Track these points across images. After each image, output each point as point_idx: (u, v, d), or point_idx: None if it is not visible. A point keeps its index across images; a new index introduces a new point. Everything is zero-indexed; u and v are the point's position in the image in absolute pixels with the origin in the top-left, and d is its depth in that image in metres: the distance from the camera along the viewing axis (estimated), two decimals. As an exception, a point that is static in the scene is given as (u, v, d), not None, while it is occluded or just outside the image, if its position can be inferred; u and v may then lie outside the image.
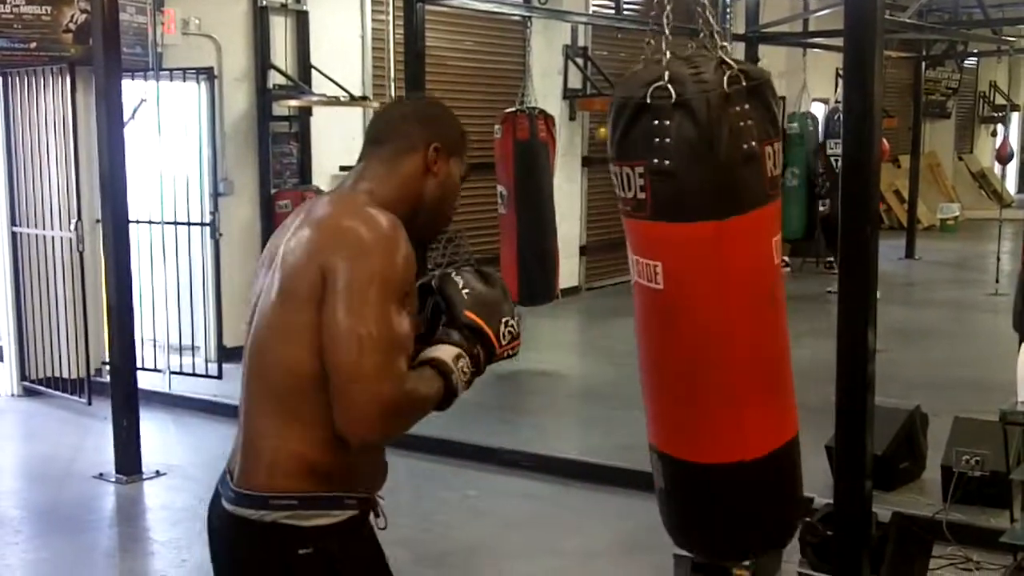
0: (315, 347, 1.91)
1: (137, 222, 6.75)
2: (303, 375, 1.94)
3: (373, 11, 8.87)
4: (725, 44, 2.81)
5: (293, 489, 1.97)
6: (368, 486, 2.09)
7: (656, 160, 2.72)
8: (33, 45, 6.99)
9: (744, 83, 2.71)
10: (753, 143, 2.71)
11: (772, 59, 12.74)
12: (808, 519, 4.06)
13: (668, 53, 2.80)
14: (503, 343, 2.11)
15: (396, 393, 1.88)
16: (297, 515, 1.97)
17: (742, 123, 2.69)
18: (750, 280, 2.83)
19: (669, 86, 2.69)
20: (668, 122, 2.69)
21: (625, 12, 11.45)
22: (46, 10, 6.98)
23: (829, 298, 10.79)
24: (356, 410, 1.88)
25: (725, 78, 2.68)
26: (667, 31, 2.87)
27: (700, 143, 2.68)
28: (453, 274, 2.14)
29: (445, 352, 2.03)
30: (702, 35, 2.89)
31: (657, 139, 2.71)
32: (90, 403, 6.86)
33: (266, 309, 2.01)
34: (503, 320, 2.11)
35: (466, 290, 2.10)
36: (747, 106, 2.70)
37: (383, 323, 1.88)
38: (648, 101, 2.71)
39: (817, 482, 4.82)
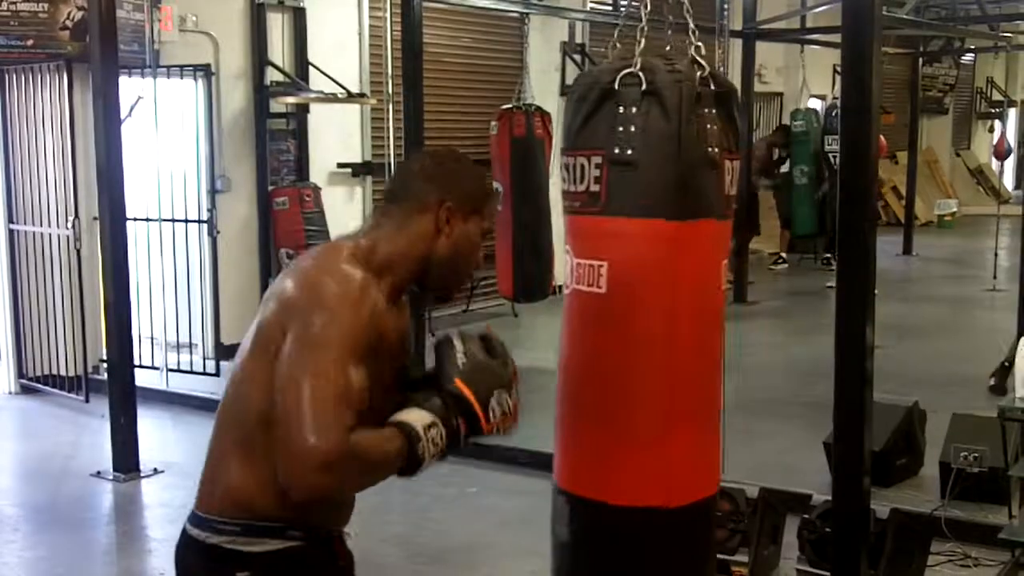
0: (268, 392, 1.93)
1: (134, 219, 6.73)
2: (257, 416, 1.97)
3: (370, 7, 8.87)
4: (699, 44, 2.69)
5: (237, 517, 2.02)
6: (322, 523, 2.09)
7: (618, 150, 2.52)
8: (30, 42, 6.98)
9: (713, 87, 2.57)
10: (716, 149, 2.54)
11: (770, 55, 12.77)
12: (806, 515, 4.06)
13: (642, 42, 2.65)
14: (492, 419, 2.04)
15: (334, 448, 1.83)
16: (236, 541, 2.02)
17: (709, 125, 2.54)
18: (700, 295, 2.61)
19: (640, 74, 2.53)
20: (635, 110, 2.52)
21: (622, 9, 11.43)
22: (43, 7, 6.97)
23: (828, 294, 10.81)
24: (292, 462, 1.86)
25: (697, 75, 2.55)
26: (644, 21, 2.77)
27: (668, 136, 2.50)
28: (455, 337, 2.07)
29: (416, 417, 1.97)
30: (678, 30, 2.77)
31: (621, 128, 2.52)
32: (88, 401, 6.86)
33: (243, 348, 2.05)
34: (495, 394, 2.04)
35: (462, 357, 2.03)
36: (714, 111, 2.56)
37: (329, 376, 1.86)
38: (616, 87, 2.54)
39: (815, 479, 4.83)
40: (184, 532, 2.12)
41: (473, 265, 2.16)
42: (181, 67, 7.48)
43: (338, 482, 1.90)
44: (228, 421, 2.08)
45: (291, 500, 1.94)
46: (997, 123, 19.32)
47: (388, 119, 6.67)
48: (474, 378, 2.02)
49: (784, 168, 12.22)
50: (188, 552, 2.10)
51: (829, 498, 3.90)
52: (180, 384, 7.26)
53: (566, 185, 2.65)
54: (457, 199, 2.08)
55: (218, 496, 2.05)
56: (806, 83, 11.91)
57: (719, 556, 4.11)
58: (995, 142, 18.42)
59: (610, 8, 11.36)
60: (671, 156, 2.52)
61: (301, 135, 8.60)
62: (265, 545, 2.02)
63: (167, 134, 7.44)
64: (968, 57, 19.12)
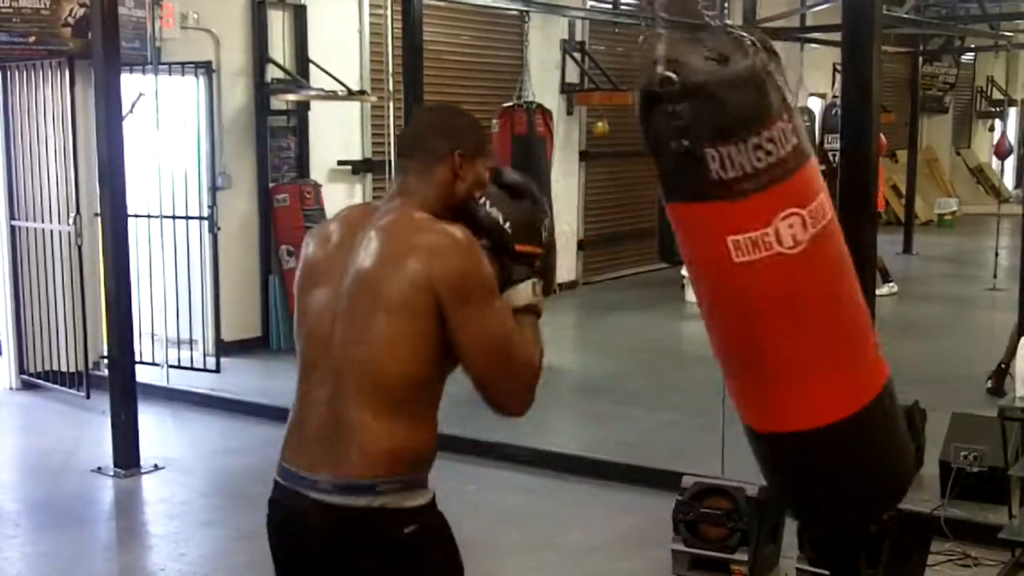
0: (423, 353, 2.17)
1: (136, 216, 6.74)
2: (402, 378, 2.17)
3: (371, 5, 8.87)
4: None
5: (397, 475, 2.17)
6: (432, 463, 2.29)
7: (789, 99, 2.67)
8: (32, 39, 6.98)
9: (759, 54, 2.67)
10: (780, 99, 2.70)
11: (770, 54, 12.75)
12: (806, 514, 4.07)
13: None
14: (544, 243, 2.38)
15: (536, 366, 2.22)
16: (398, 498, 2.17)
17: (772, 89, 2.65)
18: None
19: (672, 75, 2.62)
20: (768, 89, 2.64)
21: (622, 7, 11.45)
22: (45, 4, 6.97)
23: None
24: (520, 398, 2.23)
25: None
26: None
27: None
28: (488, 206, 2.34)
29: (524, 294, 2.30)
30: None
31: (781, 82, 2.67)
32: (88, 397, 6.87)
33: (361, 322, 2.18)
34: (542, 231, 2.38)
35: (503, 218, 2.33)
36: (772, 74, 2.66)
37: (508, 327, 2.20)
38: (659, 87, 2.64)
39: (815, 477, 4.83)
40: (319, 507, 2.18)
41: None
42: (182, 64, 7.48)
43: (538, 380, 2.26)
44: (366, 385, 2.18)
45: (432, 448, 2.24)
46: (997, 122, 19.32)
47: (388, 116, 6.68)
48: (524, 231, 2.34)
49: None
50: (340, 522, 2.18)
51: (829, 496, 3.89)
52: (180, 380, 7.26)
53: (773, 157, 2.66)
54: (466, 147, 2.34)
55: (371, 459, 2.16)
56: (803, 82, 11.90)
57: (718, 554, 4.13)
58: (995, 141, 18.40)
59: (610, 6, 11.37)
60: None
61: (302, 132, 8.60)
62: (421, 498, 2.22)
63: (168, 131, 7.44)
64: (968, 56, 19.12)
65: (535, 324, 2.29)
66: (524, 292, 2.30)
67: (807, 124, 11.88)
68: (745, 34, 2.63)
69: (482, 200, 2.35)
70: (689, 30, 2.77)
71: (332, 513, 2.17)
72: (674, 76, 2.55)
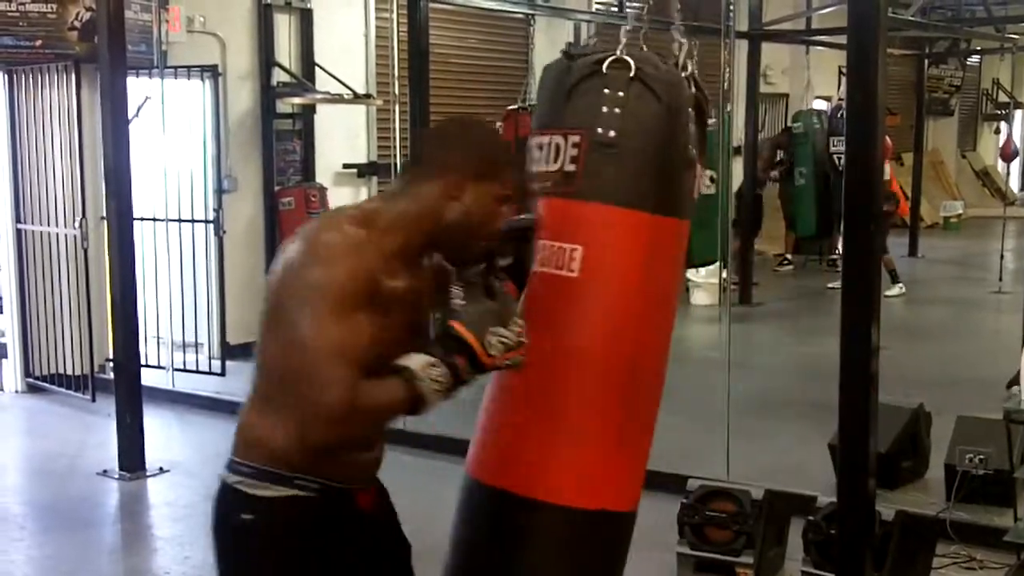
0: (282, 349, 2.03)
1: (141, 219, 6.76)
2: (270, 372, 2.11)
3: (377, 9, 8.88)
4: (683, 42, 2.65)
5: (252, 460, 2.12)
6: (337, 476, 2.14)
7: (601, 130, 2.45)
8: (38, 43, 7.00)
9: (694, 90, 2.57)
10: (693, 151, 2.52)
11: (775, 57, 12.76)
12: (811, 517, 4.07)
13: (625, 38, 2.62)
14: (491, 353, 2.11)
15: (337, 403, 1.94)
16: (245, 482, 2.12)
17: (689, 124, 2.52)
18: (665, 297, 2.58)
19: (628, 59, 2.49)
20: (622, 94, 2.45)
21: (628, 10, 11.44)
22: (51, 8, 6.99)
23: (832, 295, 10.79)
24: (305, 417, 1.99)
25: (684, 76, 2.54)
26: (645, 21, 2.76)
27: (655, 123, 2.46)
28: (455, 286, 2.17)
29: (415, 361, 2.06)
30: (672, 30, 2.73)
31: (606, 108, 2.45)
32: (94, 400, 6.88)
33: (263, 322, 2.13)
34: (492, 331, 2.11)
35: (460, 302, 2.14)
36: (692, 114, 2.54)
37: (328, 334, 1.96)
38: (604, 70, 2.49)
39: (820, 480, 4.83)
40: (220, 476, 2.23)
41: (488, 233, 2.17)
42: (188, 68, 7.49)
43: (348, 430, 2.01)
44: (256, 374, 2.17)
45: (303, 452, 2.05)
46: (1003, 125, 19.28)
47: (394, 120, 6.68)
48: (470, 318, 2.11)
49: (776, 171, 12.22)
50: (216, 492, 2.21)
51: (834, 500, 3.90)
52: (186, 383, 7.27)
53: (538, 164, 2.54)
54: (469, 164, 2.12)
55: (240, 440, 2.16)
56: (811, 84, 11.89)
57: (723, 557, 4.12)
58: (1001, 144, 18.36)
59: (615, 9, 11.37)
60: (660, 147, 2.47)
61: (307, 136, 8.61)
62: (270, 491, 2.10)
63: (174, 134, 7.46)
64: (974, 58, 19.08)
65: (400, 391, 2.03)
66: (415, 360, 2.06)
67: (816, 126, 11.89)
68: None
69: (460, 284, 2.18)
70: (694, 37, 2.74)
71: (218, 485, 2.21)
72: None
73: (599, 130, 2.46)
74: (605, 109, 2.46)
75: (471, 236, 2.16)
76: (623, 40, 2.59)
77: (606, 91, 2.47)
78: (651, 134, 2.48)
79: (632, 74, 2.48)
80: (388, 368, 2.04)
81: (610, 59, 2.51)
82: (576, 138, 2.47)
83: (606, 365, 2.52)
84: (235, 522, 2.14)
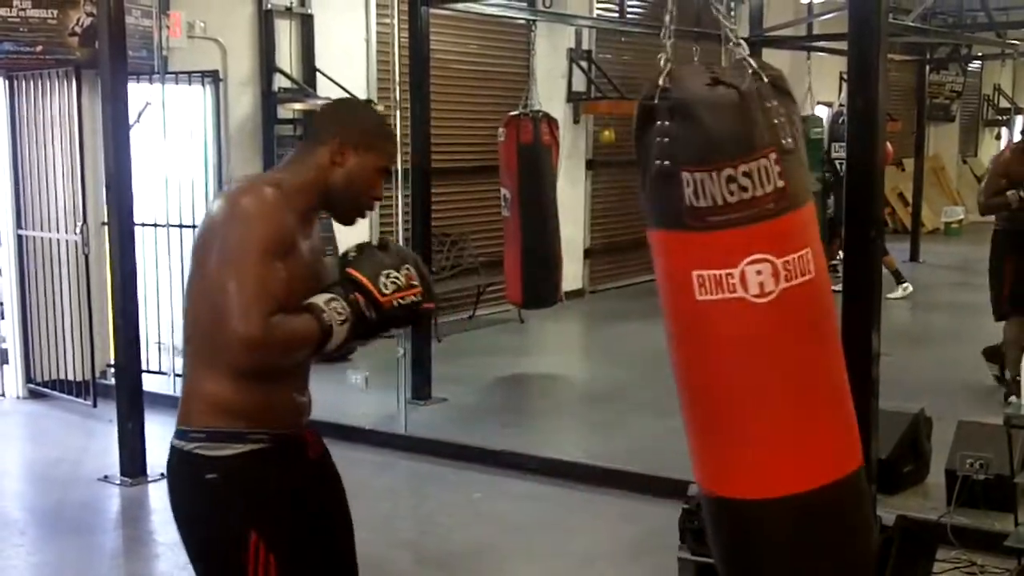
0: (205, 309, 2.31)
1: (142, 224, 6.76)
2: (203, 331, 2.34)
3: (378, 15, 8.88)
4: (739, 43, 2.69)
5: (204, 424, 2.36)
6: (280, 424, 2.41)
7: (784, 141, 2.53)
8: (39, 48, 7.01)
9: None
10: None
11: (776, 63, 12.74)
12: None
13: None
14: (384, 292, 2.40)
15: (255, 330, 2.21)
16: (203, 446, 2.35)
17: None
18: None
19: (760, 70, 2.60)
20: (776, 102, 2.56)
21: (629, 16, 11.46)
22: (52, 13, 7.00)
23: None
24: (227, 346, 2.24)
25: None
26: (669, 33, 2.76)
27: (799, 122, 2.64)
28: (351, 249, 2.46)
29: (318, 298, 2.34)
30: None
31: (775, 120, 2.55)
32: (95, 405, 6.88)
33: (189, 278, 2.42)
34: (383, 272, 2.41)
35: (353, 253, 2.45)
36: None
37: (248, 274, 2.24)
38: (756, 85, 2.56)
39: (821, 485, 4.82)
40: (170, 444, 2.43)
41: (370, 197, 2.51)
42: (189, 73, 7.50)
43: (267, 356, 2.26)
44: (187, 340, 2.42)
45: (251, 399, 2.33)
46: (1004, 130, 19.31)
47: (395, 125, 6.67)
48: (361, 264, 2.42)
49: None
50: (171, 459, 2.42)
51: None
52: (187, 389, 7.26)
53: (734, 196, 2.51)
54: (350, 135, 2.44)
55: (187, 408, 2.40)
56: (811, 90, 11.90)
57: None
58: (1002, 149, 18.38)
59: (617, 15, 11.38)
60: (801, 143, 2.60)
61: (308, 141, 8.61)
62: (229, 449, 2.35)
63: (175, 140, 7.46)
64: (975, 64, 19.10)
65: (309, 325, 2.30)
66: (318, 297, 2.34)
67: (817, 133, 11.90)
68: (754, 64, 2.57)
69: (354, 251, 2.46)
70: (697, 43, 2.74)
71: (170, 452, 2.43)
72: (669, 89, 2.52)
73: (783, 141, 2.53)
74: (775, 121, 2.53)
75: (354, 197, 2.48)
76: (744, 52, 2.64)
77: (767, 104, 2.53)
78: (799, 131, 2.60)
79: (767, 81, 2.56)
80: (295, 308, 2.30)
81: (753, 73, 2.56)
82: (774, 155, 2.52)
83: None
84: (200, 483, 2.36)
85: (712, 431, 2.65)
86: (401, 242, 6.72)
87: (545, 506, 5.35)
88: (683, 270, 2.55)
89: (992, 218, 7.18)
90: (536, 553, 4.79)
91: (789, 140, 2.53)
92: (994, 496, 4.65)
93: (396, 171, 6.64)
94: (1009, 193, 6.78)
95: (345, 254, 2.47)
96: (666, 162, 2.51)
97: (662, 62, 2.57)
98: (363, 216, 2.54)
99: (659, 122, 2.52)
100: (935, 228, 16.97)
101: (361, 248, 2.46)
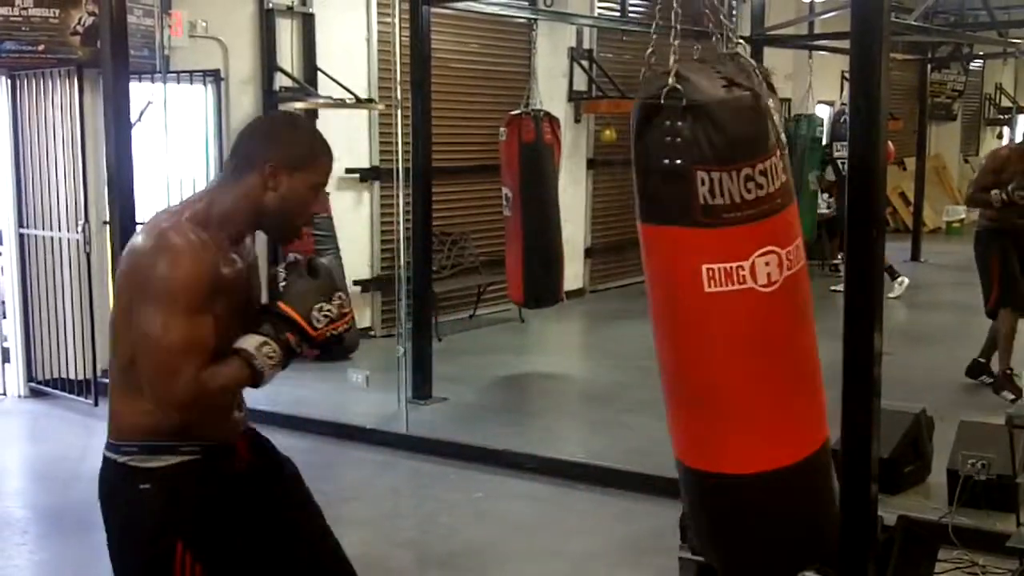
0: (130, 342, 2.34)
1: (144, 223, 6.75)
2: (126, 360, 2.37)
3: (379, 13, 8.89)
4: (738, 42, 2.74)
5: (135, 439, 2.40)
6: (211, 437, 2.44)
7: (783, 139, 2.77)
8: (41, 47, 7.01)
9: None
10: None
11: (778, 62, 12.76)
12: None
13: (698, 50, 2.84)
14: (317, 327, 2.40)
15: (185, 389, 2.26)
16: (136, 459, 2.40)
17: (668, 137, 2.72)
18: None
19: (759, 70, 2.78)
20: (772, 102, 2.74)
21: (630, 15, 11.46)
22: (54, 12, 7.00)
23: (835, 299, 10.78)
24: (158, 406, 2.30)
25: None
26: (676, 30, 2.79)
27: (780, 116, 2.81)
28: (280, 271, 2.45)
29: (249, 342, 2.34)
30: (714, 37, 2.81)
31: (775, 119, 2.73)
32: (96, 404, 6.88)
33: (114, 304, 2.44)
34: (315, 306, 2.41)
35: (283, 283, 2.42)
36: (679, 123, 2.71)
37: (170, 335, 2.25)
38: (761, 85, 2.73)
39: (822, 485, 4.82)
40: (103, 455, 2.47)
41: (304, 217, 2.47)
42: (191, 72, 7.51)
43: (199, 411, 2.32)
44: (112, 363, 2.47)
45: (176, 426, 2.35)
46: (1006, 129, 19.28)
47: (396, 124, 6.68)
48: (293, 298, 2.40)
49: None
50: (104, 471, 2.47)
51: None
52: (188, 388, 7.26)
53: (763, 190, 2.66)
54: (281, 157, 2.39)
55: (117, 424, 2.44)
56: (811, 89, 11.90)
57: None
58: (1001, 146, 18.37)
59: (618, 14, 11.38)
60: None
61: (310, 140, 8.61)
62: (162, 461, 2.39)
63: (176, 139, 7.46)
64: (977, 63, 19.09)
65: (239, 371, 2.33)
66: (249, 341, 2.34)
67: (819, 129, 11.91)
68: (753, 63, 2.63)
69: (291, 259, 2.46)
70: (696, 42, 2.75)
71: (102, 464, 2.47)
72: (681, 90, 2.53)
73: (782, 137, 2.69)
74: (776, 118, 2.68)
75: (288, 219, 2.45)
76: (746, 53, 2.74)
77: (770, 103, 2.67)
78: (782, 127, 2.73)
79: (766, 76, 2.69)
80: (227, 350, 2.32)
81: (759, 74, 2.67)
82: (778, 152, 2.67)
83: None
84: (131, 493, 2.40)
85: (717, 416, 2.77)
86: (402, 241, 6.73)
87: (545, 505, 5.35)
88: (692, 264, 2.63)
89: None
90: (537, 552, 4.79)
91: (783, 135, 2.68)
92: (996, 496, 4.65)
93: (397, 170, 6.66)
94: (993, 193, 6.80)
95: (276, 280, 2.44)
96: (677, 161, 2.57)
97: (670, 62, 2.59)
98: (299, 236, 2.53)
99: (667, 122, 2.55)
100: (936, 227, 16.97)
101: (290, 275, 2.44)
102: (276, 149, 2.40)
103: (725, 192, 2.59)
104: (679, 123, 2.56)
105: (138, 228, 2.45)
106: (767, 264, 2.62)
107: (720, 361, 2.72)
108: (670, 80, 2.58)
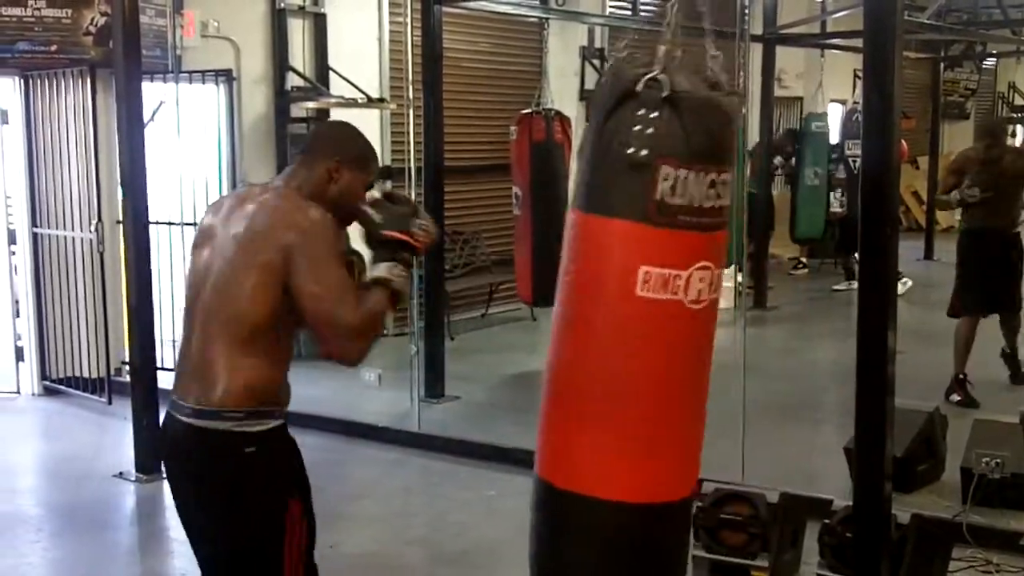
0: (268, 302, 2.61)
1: (157, 223, 6.78)
2: (252, 324, 2.62)
3: (390, 13, 8.89)
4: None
5: (241, 405, 2.62)
6: (287, 402, 2.76)
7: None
8: (54, 47, 7.04)
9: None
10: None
11: (790, 60, 12.74)
12: (827, 521, 4.06)
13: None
14: (420, 240, 2.78)
15: (359, 320, 2.60)
16: (243, 423, 2.62)
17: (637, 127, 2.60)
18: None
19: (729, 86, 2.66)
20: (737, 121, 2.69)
21: (642, 13, 11.45)
22: (67, 12, 7.03)
23: (844, 297, 10.76)
24: (342, 342, 2.61)
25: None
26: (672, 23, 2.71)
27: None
28: (368, 209, 2.79)
29: (382, 269, 2.71)
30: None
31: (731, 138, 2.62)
32: (110, 402, 6.91)
33: (227, 273, 2.67)
34: (411, 223, 2.78)
35: (377, 216, 2.77)
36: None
37: (337, 280, 2.61)
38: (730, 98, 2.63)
39: (836, 484, 4.82)
40: (183, 428, 2.67)
41: (353, 208, 2.81)
42: (203, 72, 7.52)
43: (373, 337, 2.66)
44: (223, 334, 2.65)
45: (276, 384, 2.67)
46: (1019, 128, 19.20)
47: (408, 124, 6.68)
48: (393, 223, 2.77)
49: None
50: (197, 441, 2.67)
51: (850, 503, 3.89)
52: (201, 387, 7.28)
53: (719, 201, 2.56)
54: (346, 156, 2.81)
55: (222, 391, 2.63)
56: (822, 86, 11.87)
57: (738, 560, 4.11)
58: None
59: (629, 12, 11.37)
60: None
61: (322, 140, 8.63)
62: (262, 425, 2.65)
63: (189, 138, 7.48)
64: (990, 61, 19.02)
65: (383, 295, 2.68)
66: (381, 268, 2.71)
67: (819, 127, 11.88)
68: (726, 76, 2.57)
69: (366, 207, 2.81)
70: (690, 41, 2.67)
71: (191, 434, 2.67)
72: (665, 80, 2.47)
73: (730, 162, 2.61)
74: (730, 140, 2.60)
75: (342, 208, 2.79)
76: (660, 56, 2.58)
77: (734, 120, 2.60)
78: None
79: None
80: (363, 284, 2.69)
81: (649, 78, 2.53)
82: (728, 175, 2.57)
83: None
84: (239, 457, 2.63)
85: (612, 433, 2.59)
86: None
87: (558, 504, 5.34)
88: (631, 263, 2.50)
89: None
90: (550, 551, 4.78)
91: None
92: (1010, 495, 4.64)
93: (409, 169, 6.66)
94: (952, 193, 6.74)
95: (368, 216, 2.78)
96: (643, 151, 2.46)
97: (660, 52, 2.52)
98: (348, 224, 2.85)
99: (642, 110, 2.46)
100: (949, 226, 16.87)
101: (380, 208, 2.79)
102: (340, 149, 2.82)
103: (687, 193, 2.46)
104: (654, 113, 2.46)
105: (257, 205, 2.74)
106: (701, 280, 2.52)
107: (631, 372, 2.55)
108: (655, 68, 2.51)
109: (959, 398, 6.60)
